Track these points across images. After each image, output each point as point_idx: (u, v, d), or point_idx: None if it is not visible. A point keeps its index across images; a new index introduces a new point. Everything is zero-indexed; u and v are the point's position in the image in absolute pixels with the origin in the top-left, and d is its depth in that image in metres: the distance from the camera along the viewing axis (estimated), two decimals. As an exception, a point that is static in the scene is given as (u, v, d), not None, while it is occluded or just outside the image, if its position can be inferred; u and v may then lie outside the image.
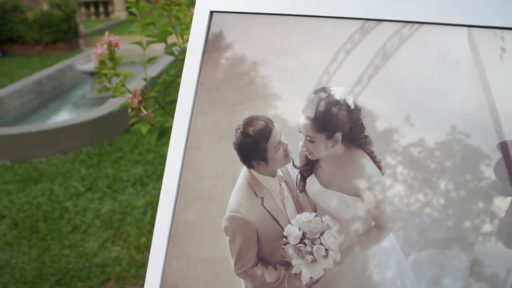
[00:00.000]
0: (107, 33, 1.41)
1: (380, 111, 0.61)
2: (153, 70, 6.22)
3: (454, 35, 0.59)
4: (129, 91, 1.41)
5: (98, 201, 3.70)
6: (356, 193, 0.62)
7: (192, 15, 1.61)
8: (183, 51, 1.50)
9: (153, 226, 2.61)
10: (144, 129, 1.33)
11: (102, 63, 1.39)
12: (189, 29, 1.49)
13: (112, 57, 1.38)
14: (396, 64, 0.62)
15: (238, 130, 0.69)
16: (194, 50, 0.76)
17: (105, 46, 1.38)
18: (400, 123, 0.60)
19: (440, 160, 0.58)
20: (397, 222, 0.59)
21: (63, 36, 10.99)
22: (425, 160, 0.58)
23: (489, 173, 0.55)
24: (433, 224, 0.57)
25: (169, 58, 6.82)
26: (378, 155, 0.61)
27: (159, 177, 4.02)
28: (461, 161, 0.57)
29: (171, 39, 1.55)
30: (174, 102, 1.48)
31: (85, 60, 7.94)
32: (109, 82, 1.43)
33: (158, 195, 3.62)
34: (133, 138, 4.95)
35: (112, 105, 5.20)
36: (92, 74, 6.78)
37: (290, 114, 0.66)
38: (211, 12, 0.76)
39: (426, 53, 0.60)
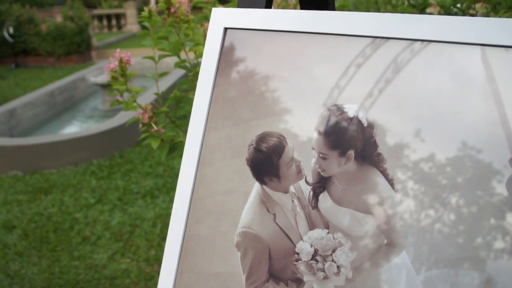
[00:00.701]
0: (118, 49, 1.42)
1: (391, 125, 0.62)
2: (163, 83, 6.26)
3: (467, 54, 0.59)
4: (140, 106, 1.42)
5: (108, 213, 3.71)
6: (369, 211, 0.62)
7: (202, 31, 1.63)
8: (194, 67, 1.51)
9: (162, 239, 2.62)
10: (154, 144, 1.34)
11: (114, 78, 1.40)
12: (199, 45, 1.51)
13: (123, 73, 1.39)
14: (407, 78, 0.62)
15: (251, 146, 0.70)
16: (207, 66, 0.76)
17: (116, 62, 1.39)
18: (411, 138, 0.60)
19: (451, 176, 0.58)
20: (409, 239, 0.59)
21: (76, 48, 11.11)
22: (436, 176, 0.58)
23: (501, 189, 0.55)
24: (445, 241, 0.57)
25: (179, 72, 6.87)
26: (390, 172, 0.61)
27: (169, 190, 4.03)
28: (472, 176, 0.57)
29: (183, 53, 1.56)
30: (185, 117, 1.49)
31: (97, 73, 8.01)
32: (121, 96, 1.44)
33: (168, 208, 3.64)
34: (144, 151, 4.97)
35: (123, 117, 5.23)
36: (103, 86, 6.84)
37: (303, 130, 0.67)
38: (225, 29, 0.77)
39: (438, 69, 0.60)
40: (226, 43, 0.76)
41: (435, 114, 0.59)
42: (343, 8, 1.74)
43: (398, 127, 0.61)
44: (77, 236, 3.40)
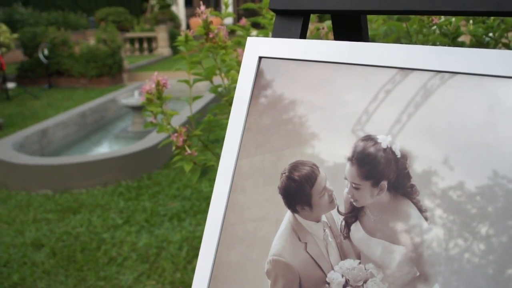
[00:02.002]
0: (156, 72, 1.46)
1: (420, 152, 0.62)
2: (195, 105, 6.32)
3: (503, 86, 0.59)
4: (174, 129, 1.44)
5: (135, 234, 3.73)
6: (401, 242, 0.61)
7: (235, 56, 1.65)
8: (228, 92, 1.53)
9: (188, 262, 2.62)
10: (187, 167, 1.35)
11: (149, 100, 1.43)
12: (232, 70, 1.53)
13: (159, 96, 1.42)
14: (437, 106, 0.62)
15: (284, 175, 0.70)
16: (242, 94, 0.78)
17: (153, 85, 1.42)
18: (440, 165, 0.60)
19: (482, 205, 0.57)
20: (442, 273, 0.58)
21: (107, 70, 11.33)
22: (466, 205, 0.58)
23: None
24: (475, 272, 0.56)
25: (209, 95, 6.94)
26: (424, 204, 0.60)
27: (196, 213, 4.04)
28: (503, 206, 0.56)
29: (216, 78, 1.59)
30: (217, 140, 1.51)
31: (127, 95, 8.14)
32: (155, 118, 1.47)
33: (194, 231, 3.65)
34: (172, 173, 5.01)
35: (152, 139, 5.29)
36: (134, 108, 6.95)
37: (336, 160, 0.67)
38: (260, 58, 0.78)
39: (471, 99, 0.60)
40: (260, 71, 0.78)
41: (466, 142, 0.59)
42: (374, 36, 1.75)
43: (427, 154, 0.61)
44: (104, 256, 3.42)
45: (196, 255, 3.30)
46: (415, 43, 1.71)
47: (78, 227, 3.91)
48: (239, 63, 1.60)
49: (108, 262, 3.35)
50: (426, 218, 0.60)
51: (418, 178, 0.61)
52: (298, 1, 0.78)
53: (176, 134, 1.41)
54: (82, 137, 7.16)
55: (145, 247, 3.51)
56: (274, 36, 0.82)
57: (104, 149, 6.66)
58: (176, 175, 4.95)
